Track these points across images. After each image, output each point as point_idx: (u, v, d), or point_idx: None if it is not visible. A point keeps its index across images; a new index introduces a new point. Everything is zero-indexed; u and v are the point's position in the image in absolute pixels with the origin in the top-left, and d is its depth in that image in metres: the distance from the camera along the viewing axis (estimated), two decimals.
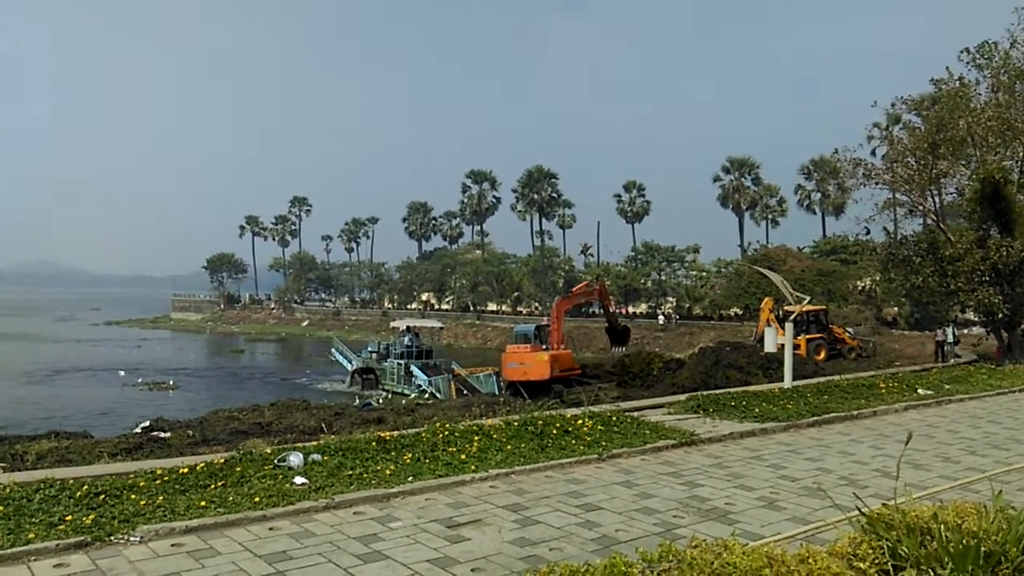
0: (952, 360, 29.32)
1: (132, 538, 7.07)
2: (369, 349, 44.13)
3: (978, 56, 28.06)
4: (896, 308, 56.64)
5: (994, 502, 4.73)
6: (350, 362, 43.43)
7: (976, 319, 39.68)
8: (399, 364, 38.56)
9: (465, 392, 33.74)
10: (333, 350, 46.89)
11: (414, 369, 37.41)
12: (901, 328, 52.40)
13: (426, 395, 34.25)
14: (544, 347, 31.07)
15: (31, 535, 6.84)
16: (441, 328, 58.26)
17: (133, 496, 8.09)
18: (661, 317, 70.31)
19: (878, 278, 45.35)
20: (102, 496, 8.02)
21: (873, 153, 49.33)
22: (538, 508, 8.41)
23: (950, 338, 31.78)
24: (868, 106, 49.74)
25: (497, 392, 32.60)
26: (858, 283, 60.73)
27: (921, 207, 30.43)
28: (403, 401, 29.61)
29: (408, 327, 43.39)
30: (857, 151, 30.75)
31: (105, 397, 38.27)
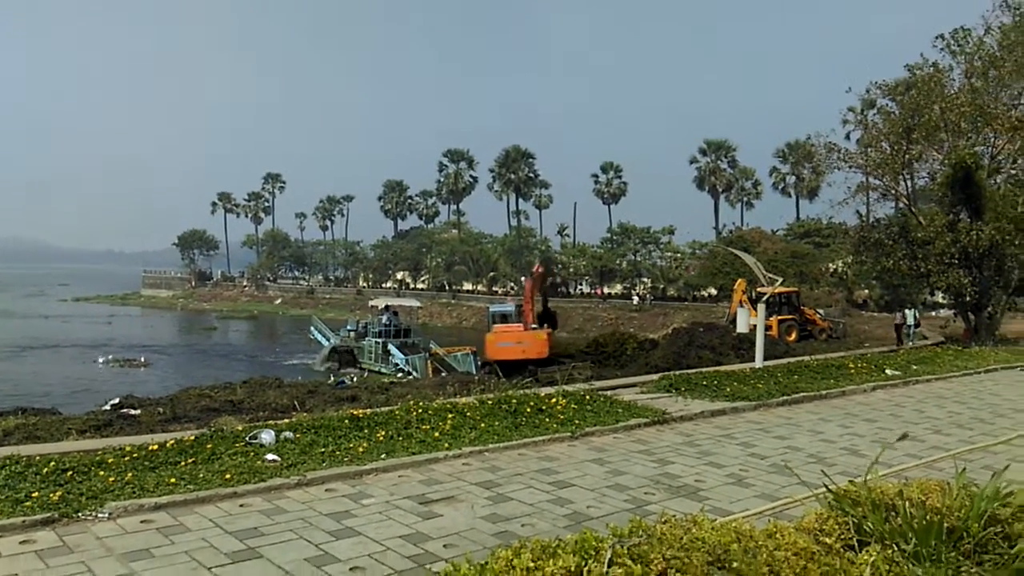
0: (911, 343, 29.02)
1: (100, 515, 6.99)
2: (348, 328, 43.95)
3: (952, 42, 28.35)
4: (867, 290, 57.48)
5: (957, 480, 4.83)
6: (328, 340, 43.21)
7: (944, 301, 40.37)
8: (377, 343, 38.43)
9: (442, 371, 33.71)
10: (312, 328, 46.70)
11: (391, 348, 37.32)
12: (871, 310, 53.22)
13: (403, 374, 34.18)
14: (534, 327, 31.10)
15: None
16: (419, 307, 58.15)
17: (101, 473, 8.00)
18: (635, 298, 70.74)
19: (850, 260, 45.90)
20: (70, 473, 7.91)
21: (848, 137, 49.79)
22: (511, 485, 8.45)
23: (910, 321, 31.68)
24: (843, 91, 50.22)
25: (474, 372, 32.62)
26: (830, 265, 61.50)
27: (893, 191, 30.84)
28: (384, 380, 29.53)
29: (387, 306, 43.25)
30: (831, 135, 31.08)
31: (74, 374, 37.77)
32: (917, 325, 32.13)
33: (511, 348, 30.39)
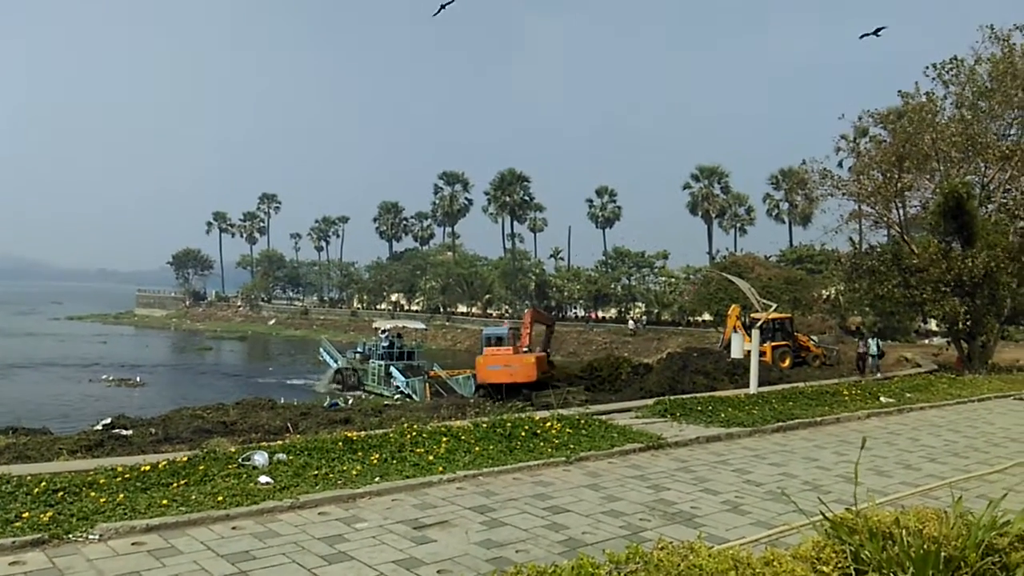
0: (875, 375, 27.08)
1: (91, 536, 6.92)
2: (357, 350, 44.14)
3: (944, 72, 28.70)
4: (860, 317, 57.56)
5: (954, 508, 4.82)
6: (336, 361, 43.36)
7: (937, 329, 40.45)
8: (380, 365, 38.48)
9: (442, 393, 33.73)
10: (321, 349, 47.01)
11: (393, 370, 37.38)
12: (865, 337, 53.24)
13: (404, 396, 34.22)
14: (525, 350, 31.14)
15: None
16: (425, 330, 58.35)
17: (93, 494, 7.93)
18: (631, 323, 70.80)
19: (843, 287, 46.04)
20: (60, 493, 7.85)
21: (840, 165, 50.09)
22: (505, 510, 8.40)
23: (873, 350, 29.44)
24: (836, 118, 50.70)
25: (469, 395, 32.59)
26: (823, 292, 61.63)
27: (886, 219, 31.01)
28: (384, 401, 29.56)
29: (388, 328, 43.49)
30: (825, 162, 31.31)
31: (66, 393, 37.52)
32: (881, 355, 29.98)
33: (499, 371, 30.47)
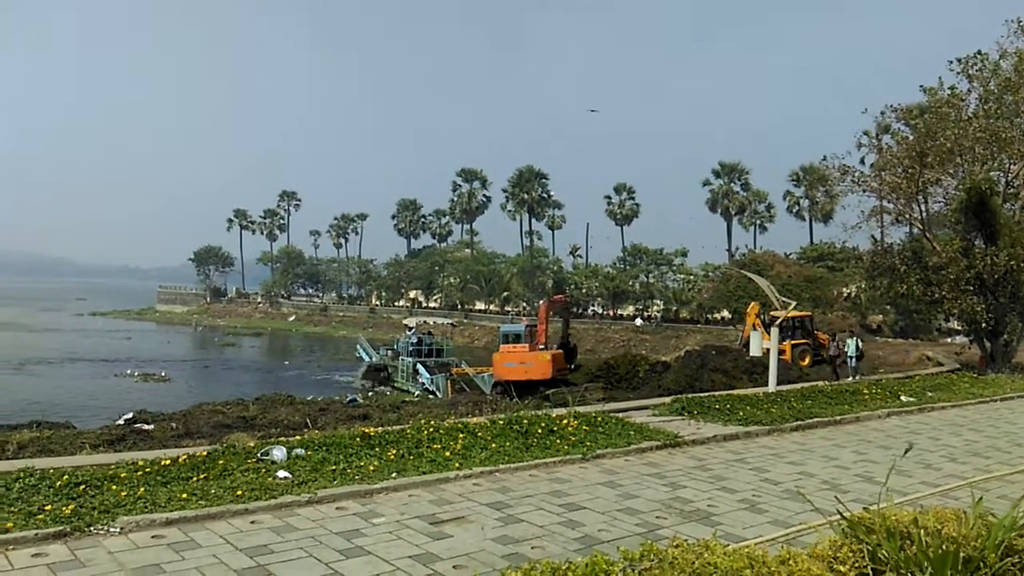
0: (853, 377, 24.80)
1: (112, 529, 7.02)
2: (393, 346, 44.60)
3: (968, 67, 28.32)
4: (880, 316, 57.07)
5: (974, 508, 4.77)
6: (370, 358, 43.81)
7: (959, 328, 39.97)
8: (409, 362, 38.80)
9: (467, 390, 33.93)
10: (357, 346, 47.69)
11: (419, 367, 37.65)
12: (885, 336, 52.78)
13: (427, 392, 34.50)
14: (541, 347, 31.16)
15: (9, 524, 6.77)
16: (453, 326, 58.70)
17: (114, 487, 8.03)
18: (639, 319, 70.77)
19: (863, 285, 45.62)
20: (82, 486, 7.96)
21: (862, 161, 49.61)
22: (521, 506, 8.41)
23: (851, 351, 26.67)
24: (859, 112, 50.21)
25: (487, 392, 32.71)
26: (844, 290, 61.13)
27: (907, 216, 30.69)
28: (405, 398, 29.81)
29: (416, 324, 43.86)
30: (846, 158, 30.98)
31: (92, 388, 38.02)
32: (860, 357, 26.98)
33: (515, 368, 30.55)
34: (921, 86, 29.27)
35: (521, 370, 30.25)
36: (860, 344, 27.75)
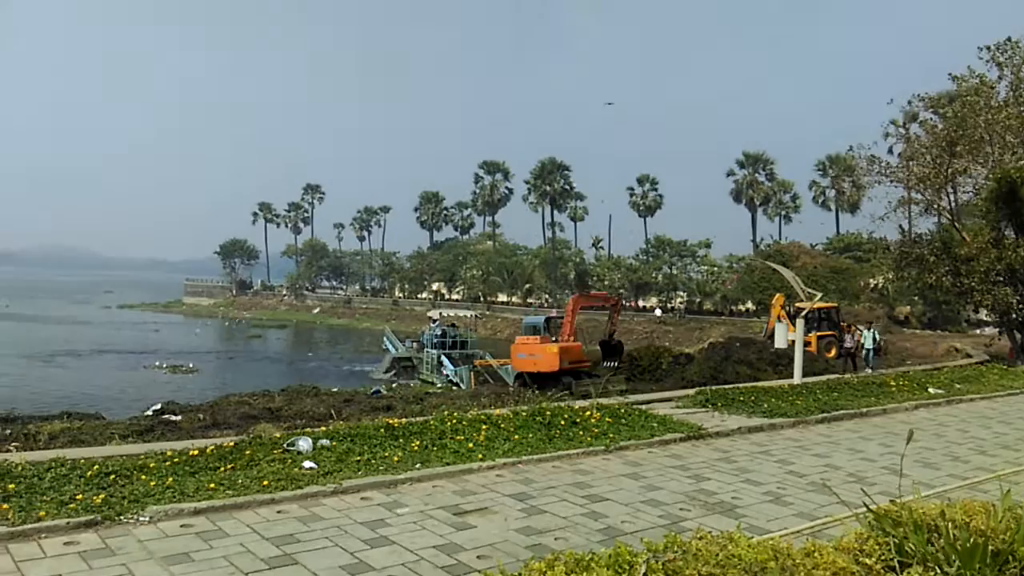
0: (869, 370, 24.20)
1: (141, 518, 7.14)
2: (422, 338, 44.97)
3: (998, 54, 27.77)
4: (908, 307, 56.34)
5: (1002, 501, 4.71)
6: (396, 349, 44.19)
7: (989, 319, 39.35)
8: (434, 354, 39.04)
9: (491, 381, 34.06)
10: (384, 338, 48.17)
11: (443, 359, 37.87)
12: (913, 327, 52.12)
13: (450, 383, 34.68)
14: (553, 339, 31.15)
15: (42, 513, 6.91)
16: (477, 317, 58.84)
17: (143, 477, 8.17)
18: (658, 310, 70.48)
19: (891, 276, 45.02)
20: (112, 476, 8.09)
21: (890, 151, 48.94)
22: (544, 498, 8.43)
23: (869, 344, 25.90)
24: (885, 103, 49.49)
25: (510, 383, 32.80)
26: (871, 281, 60.39)
27: (936, 206, 30.20)
28: (428, 389, 30.01)
29: (441, 316, 44.08)
30: (873, 148, 30.58)
31: (122, 379, 38.64)
32: (878, 351, 26.02)
33: (525, 360, 30.75)
34: (950, 74, 28.78)
35: (530, 362, 30.42)
36: (877, 336, 27.36)
